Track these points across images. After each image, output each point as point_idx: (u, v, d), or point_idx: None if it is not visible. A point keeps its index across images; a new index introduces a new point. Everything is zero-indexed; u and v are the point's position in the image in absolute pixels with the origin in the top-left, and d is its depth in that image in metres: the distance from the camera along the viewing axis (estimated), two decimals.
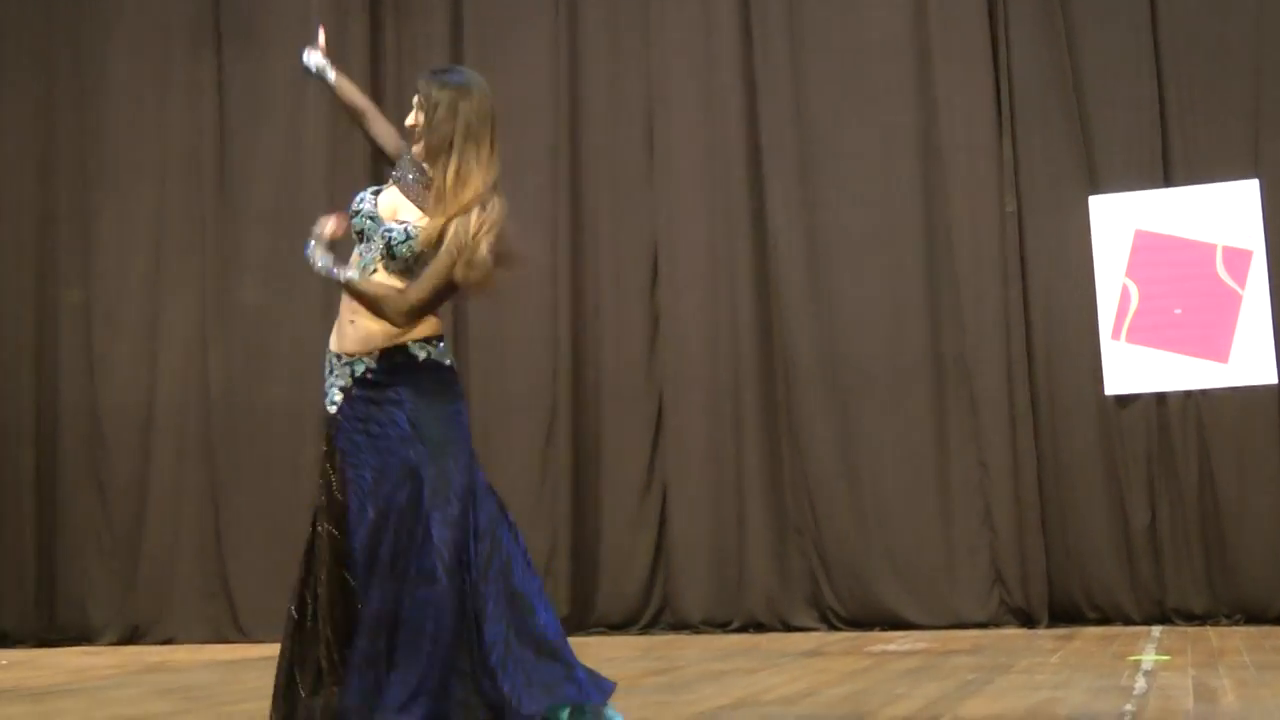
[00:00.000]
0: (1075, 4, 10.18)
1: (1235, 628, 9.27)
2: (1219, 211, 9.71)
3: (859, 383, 10.41)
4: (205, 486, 11.61)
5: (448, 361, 5.38)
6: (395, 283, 5.23)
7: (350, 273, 5.15)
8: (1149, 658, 7.42)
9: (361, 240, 5.33)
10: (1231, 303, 9.65)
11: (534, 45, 11.30)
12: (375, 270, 5.24)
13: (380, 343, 5.28)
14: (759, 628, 10.30)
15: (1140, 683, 6.34)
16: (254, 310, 11.68)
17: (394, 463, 5.22)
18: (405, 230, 5.20)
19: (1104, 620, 9.72)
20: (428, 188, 5.32)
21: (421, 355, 5.34)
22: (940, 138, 10.39)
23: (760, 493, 10.47)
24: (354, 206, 5.36)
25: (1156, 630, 9.19)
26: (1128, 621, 9.62)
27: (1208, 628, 9.29)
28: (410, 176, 5.40)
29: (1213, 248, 9.73)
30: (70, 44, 12.35)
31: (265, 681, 7.06)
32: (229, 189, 11.85)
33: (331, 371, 5.37)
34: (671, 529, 10.65)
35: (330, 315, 10.42)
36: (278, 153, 11.78)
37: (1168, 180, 9.89)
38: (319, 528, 5.42)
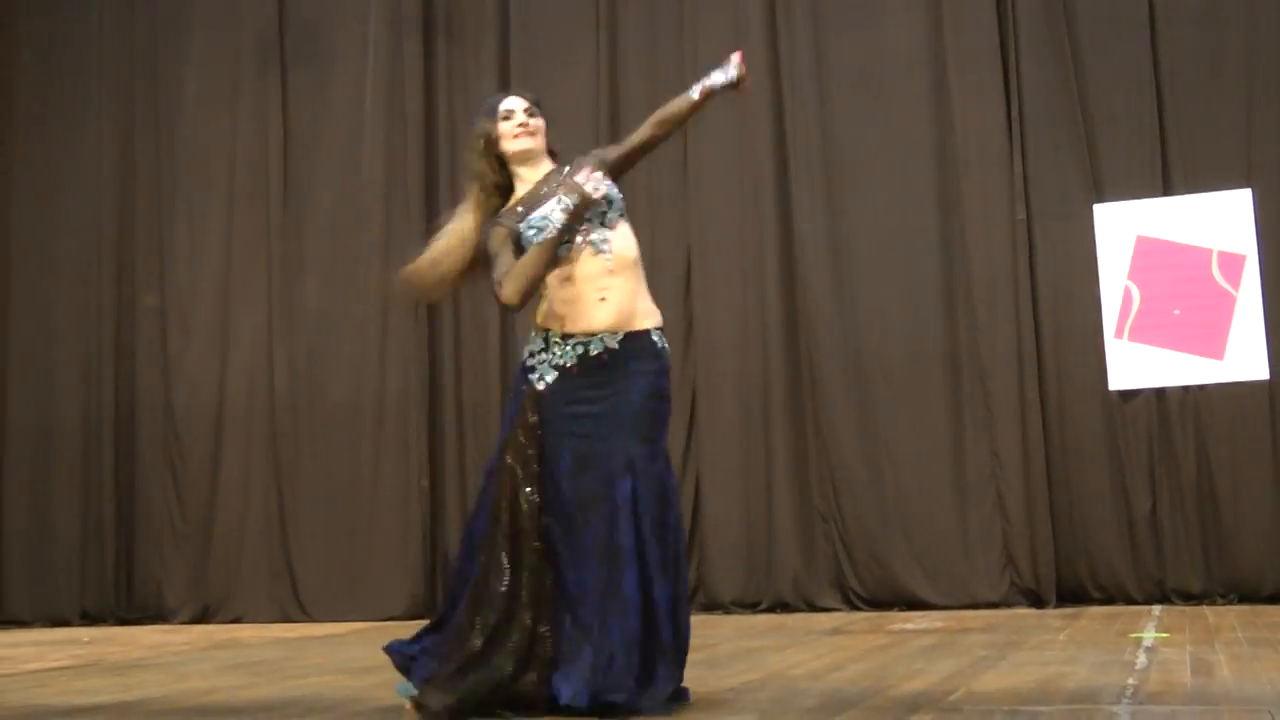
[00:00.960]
0: (1081, 26, 10.17)
1: (1230, 606, 9.25)
2: (1214, 219, 9.69)
3: (880, 379, 10.42)
4: (271, 477, 11.67)
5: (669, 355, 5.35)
6: (624, 238, 5.39)
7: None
8: (1150, 635, 7.41)
9: (574, 242, 5.29)
10: (1226, 304, 9.63)
11: (576, 67, 11.32)
12: (607, 239, 5.33)
13: (630, 323, 5.22)
14: (786, 608, 10.31)
15: (1142, 658, 6.33)
16: (316, 313, 11.76)
17: (606, 451, 5.11)
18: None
19: (1108, 600, 9.72)
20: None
21: (660, 344, 5.30)
22: (955, 151, 10.38)
23: (787, 482, 10.47)
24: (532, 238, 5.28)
25: (1157, 609, 9.17)
26: (1130, 601, 9.61)
27: (1204, 607, 9.28)
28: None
29: (1209, 252, 9.72)
30: (147, 69, 12.47)
31: (327, 657, 7.12)
32: (293, 201, 11.92)
33: (545, 349, 5.23)
34: (704, 516, 10.65)
35: (387, 317, 10.36)
36: (338, 166, 11.84)
37: (1167, 189, 9.87)
38: (518, 496, 5.15)
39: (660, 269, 10.96)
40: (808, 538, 10.43)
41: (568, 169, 5.47)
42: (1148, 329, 9.78)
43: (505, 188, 5.52)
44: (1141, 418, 9.82)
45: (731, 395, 10.69)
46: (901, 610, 9.94)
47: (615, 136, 11.11)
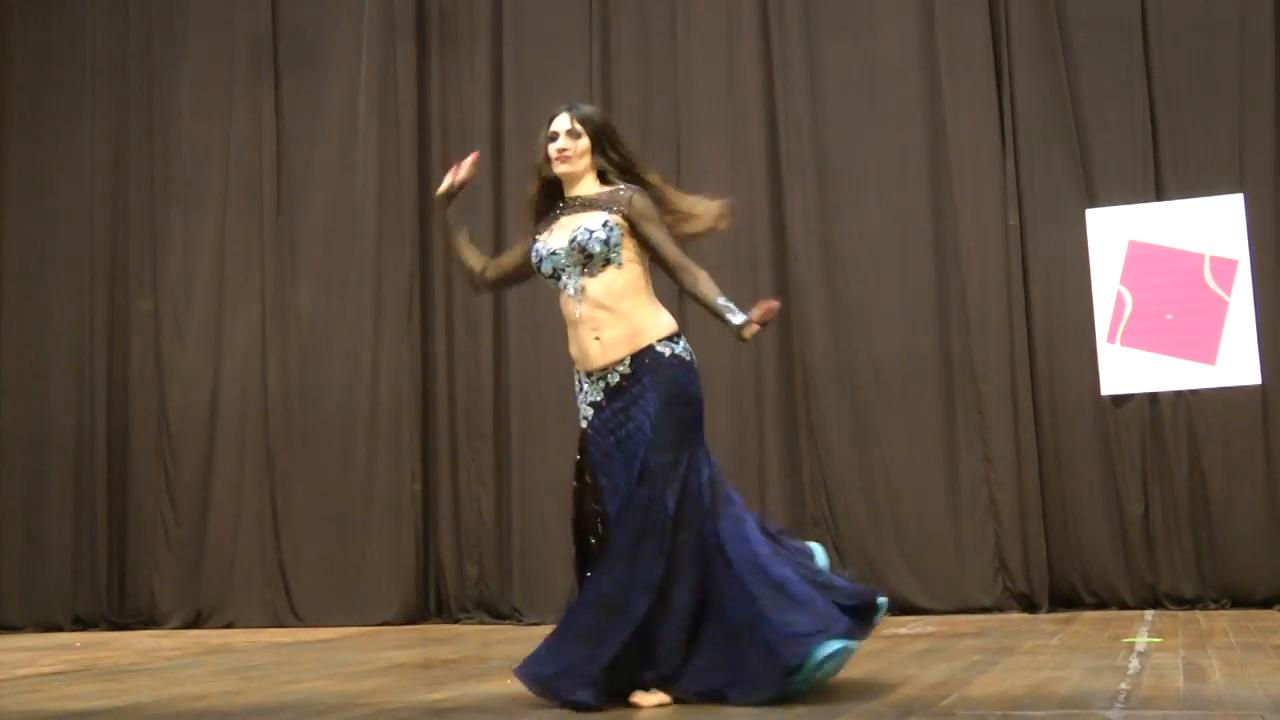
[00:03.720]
0: (1073, 31, 10.17)
1: (1222, 611, 9.25)
2: (1206, 224, 9.69)
3: (873, 384, 10.41)
4: (264, 482, 11.65)
5: (689, 357, 5.75)
6: (605, 284, 5.66)
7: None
8: (1143, 640, 7.40)
9: (559, 279, 5.71)
10: (1218, 309, 9.64)
11: (569, 72, 11.31)
12: (583, 287, 5.66)
13: (630, 349, 5.60)
14: None
15: (1134, 663, 6.33)
16: (309, 318, 11.74)
17: (639, 467, 5.43)
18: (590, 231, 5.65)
19: (1101, 605, 9.71)
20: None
21: (667, 352, 5.65)
22: (948, 156, 10.38)
23: (780, 487, 10.46)
24: (534, 262, 5.79)
25: (1149, 614, 9.17)
26: (1123, 606, 9.61)
27: (1197, 611, 9.27)
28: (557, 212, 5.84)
29: (1201, 257, 9.72)
30: (141, 73, 12.47)
31: (319, 662, 7.09)
32: (287, 205, 11.91)
33: (581, 390, 5.67)
34: None
35: (380, 322, 10.37)
36: (332, 171, 11.83)
37: (1159, 195, 9.88)
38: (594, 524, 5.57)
39: (654, 274, 10.97)
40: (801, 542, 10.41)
41: (609, 197, 5.81)
42: (1140, 334, 9.79)
43: (557, 192, 5.92)
44: (1134, 423, 9.82)
45: (725, 400, 10.66)
46: (894, 615, 9.93)
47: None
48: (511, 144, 11.33)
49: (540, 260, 5.71)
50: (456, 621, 10.94)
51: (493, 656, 7.97)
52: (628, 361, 5.57)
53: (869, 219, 10.56)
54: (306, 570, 11.45)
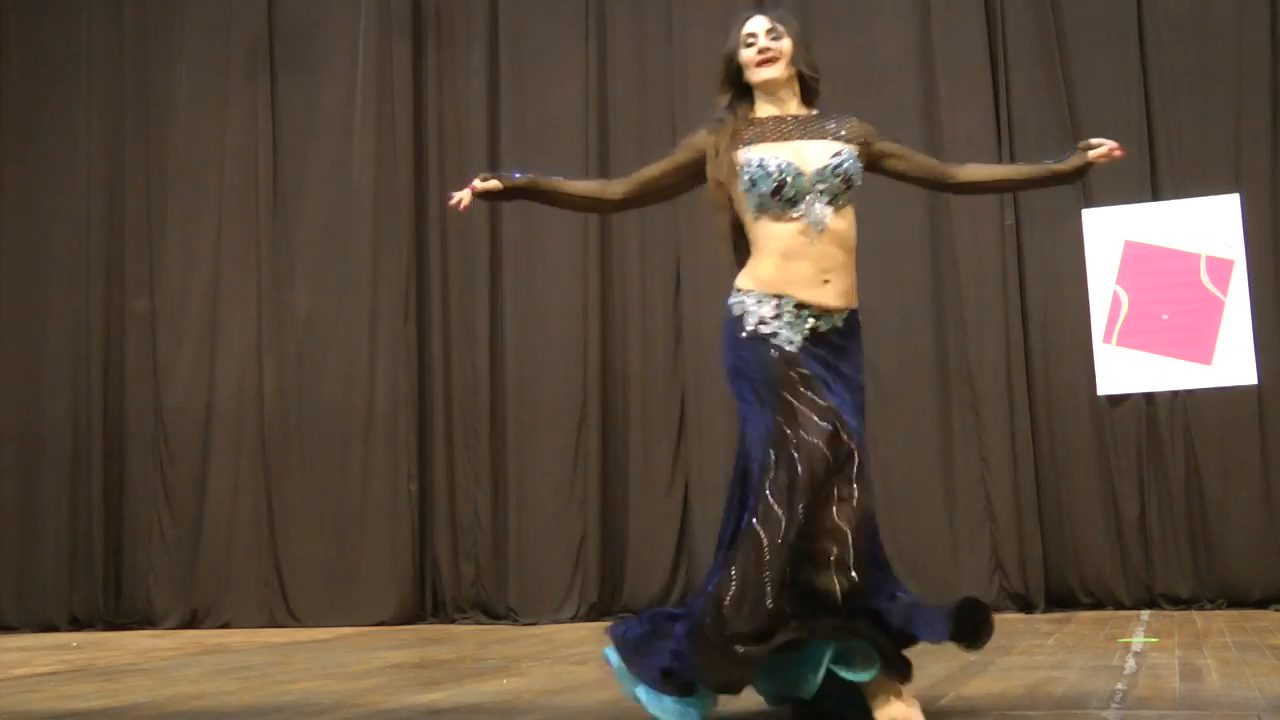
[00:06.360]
0: (1069, 32, 10.17)
1: (1218, 611, 9.25)
2: (1202, 224, 9.69)
3: (869, 384, 10.33)
4: (259, 482, 11.65)
5: None
6: (847, 223, 5.22)
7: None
8: (1139, 640, 7.40)
9: (795, 205, 5.07)
10: (1214, 309, 9.64)
11: (565, 70, 11.30)
12: (826, 220, 5.12)
13: (849, 303, 5.08)
14: None
15: (1131, 663, 6.33)
16: (305, 319, 11.73)
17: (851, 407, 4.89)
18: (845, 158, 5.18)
19: (1097, 605, 9.71)
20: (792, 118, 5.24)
21: (859, 321, 5.12)
22: (944, 156, 10.33)
23: None
24: (770, 176, 5.03)
25: (1146, 614, 9.17)
26: (1119, 606, 9.61)
27: (1193, 611, 9.28)
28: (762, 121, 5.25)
29: (1197, 257, 9.72)
30: (137, 73, 12.46)
31: (315, 662, 7.06)
32: (282, 205, 11.90)
33: (779, 316, 4.99)
34: (693, 520, 10.62)
35: (377, 322, 10.36)
36: (328, 171, 11.82)
37: (1155, 195, 9.88)
38: (801, 446, 4.82)
39: (650, 273, 10.98)
40: None
41: (831, 122, 5.37)
42: (1136, 334, 9.79)
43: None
44: (1130, 423, 9.82)
45: (720, 399, 10.64)
46: None
47: (603, 142, 11.14)
48: (507, 143, 11.33)
49: (784, 178, 5.03)
50: (453, 622, 10.93)
51: (489, 656, 7.97)
52: (845, 316, 5.07)
53: (864, 219, 10.46)
54: (302, 570, 11.45)
